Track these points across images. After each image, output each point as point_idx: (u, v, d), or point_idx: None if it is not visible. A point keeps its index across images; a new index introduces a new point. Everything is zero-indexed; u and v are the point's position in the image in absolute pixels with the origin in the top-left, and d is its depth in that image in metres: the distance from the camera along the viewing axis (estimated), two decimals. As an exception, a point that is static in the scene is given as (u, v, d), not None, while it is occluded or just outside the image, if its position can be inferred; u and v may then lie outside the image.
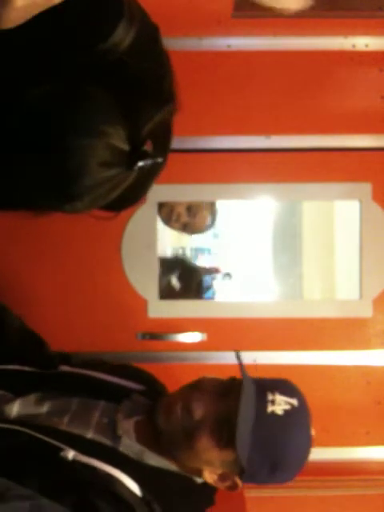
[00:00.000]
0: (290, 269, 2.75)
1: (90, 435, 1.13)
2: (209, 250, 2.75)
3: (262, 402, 1.10)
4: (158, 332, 1.92)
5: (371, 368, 1.96)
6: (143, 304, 1.94)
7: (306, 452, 1.14)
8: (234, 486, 1.16)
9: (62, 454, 1.06)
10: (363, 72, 1.95)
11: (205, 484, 1.17)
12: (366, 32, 1.93)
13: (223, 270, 2.62)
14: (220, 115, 1.90)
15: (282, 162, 1.95)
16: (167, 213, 2.18)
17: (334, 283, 2.58)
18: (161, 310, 1.96)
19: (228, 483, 1.16)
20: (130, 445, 1.13)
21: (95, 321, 1.94)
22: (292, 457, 1.12)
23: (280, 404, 1.10)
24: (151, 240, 1.96)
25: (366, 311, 1.95)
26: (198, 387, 1.17)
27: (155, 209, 1.96)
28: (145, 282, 1.94)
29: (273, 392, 1.12)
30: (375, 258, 1.95)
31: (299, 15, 1.86)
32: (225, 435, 1.10)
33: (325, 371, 1.95)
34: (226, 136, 1.93)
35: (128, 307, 1.94)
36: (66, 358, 1.41)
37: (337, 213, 2.55)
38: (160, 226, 2.19)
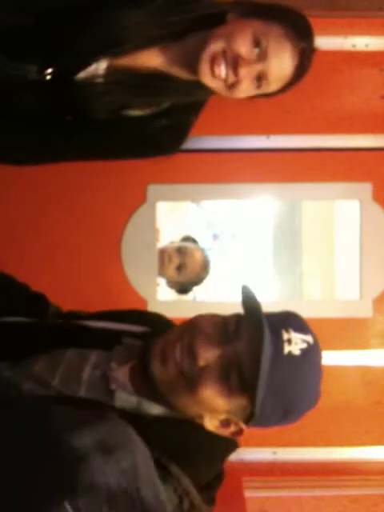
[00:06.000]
0: (289, 269, 2.75)
1: (81, 394, 1.00)
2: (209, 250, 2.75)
3: (277, 341, 0.94)
4: (158, 332, 1.92)
5: (371, 368, 1.96)
6: (143, 304, 1.94)
7: (318, 394, 1.02)
8: (237, 432, 1.01)
9: None
10: (363, 72, 1.95)
11: None
12: (366, 32, 1.93)
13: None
14: (220, 115, 1.89)
15: (282, 162, 1.95)
16: (159, 258, 2.14)
17: (334, 283, 2.58)
18: (160, 310, 1.94)
19: (231, 429, 1.01)
20: (125, 398, 1.00)
21: (95, 321, 1.93)
22: (305, 401, 1.00)
23: (297, 343, 0.96)
24: (151, 240, 1.96)
25: (366, 311, 1.95)
26: (199, 327, 1.01)
27: (155, 209, 1.96)
28: (145, 282, 1.94)
29: (287, 329, 0.97)
30: (375, 258, 1.95)
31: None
32: (234, 382, 0.94)
33: (325, 371, 1.94)
34: (226, 136, 1.93)
35: (128, 307, 1.94)
36: (59, 315, 1.29)
37: (337, 213, 2.56)
38: (159, 225, 2.19)
